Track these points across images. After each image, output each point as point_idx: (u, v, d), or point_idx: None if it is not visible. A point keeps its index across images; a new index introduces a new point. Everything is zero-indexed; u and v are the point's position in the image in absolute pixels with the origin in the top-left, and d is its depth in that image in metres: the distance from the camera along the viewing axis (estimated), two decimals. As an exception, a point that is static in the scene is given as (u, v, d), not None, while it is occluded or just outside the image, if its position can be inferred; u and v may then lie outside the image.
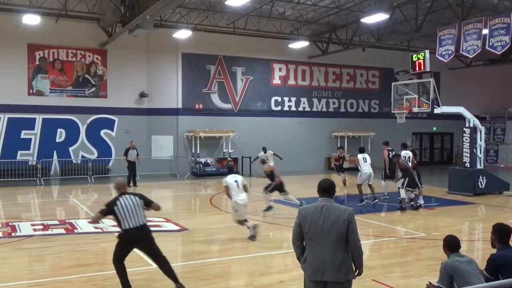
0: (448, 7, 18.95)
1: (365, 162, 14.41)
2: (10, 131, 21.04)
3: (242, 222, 9.98)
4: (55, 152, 21.77)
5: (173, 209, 15.37)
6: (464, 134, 17.00)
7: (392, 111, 17.34)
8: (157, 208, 6.87)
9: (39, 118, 21.59)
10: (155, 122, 23.65)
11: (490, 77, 30.61)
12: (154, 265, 6.93)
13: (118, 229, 6.74)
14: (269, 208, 12.49)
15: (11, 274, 7.60)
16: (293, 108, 26.53)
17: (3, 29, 20.19)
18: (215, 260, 8.69)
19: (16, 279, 7.36)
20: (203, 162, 22.96)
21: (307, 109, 26.92)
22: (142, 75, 23.51)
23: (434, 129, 30.53)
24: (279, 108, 26.14)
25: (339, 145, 23.63)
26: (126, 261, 6.61)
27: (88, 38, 21.94)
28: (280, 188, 12.76)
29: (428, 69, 16.10)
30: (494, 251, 5.17)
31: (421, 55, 16.27)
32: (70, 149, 22.12)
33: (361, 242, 4.54)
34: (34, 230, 11.04)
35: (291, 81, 26.50)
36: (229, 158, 23.42)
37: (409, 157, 14.16)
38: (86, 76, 22.50)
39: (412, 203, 13.69)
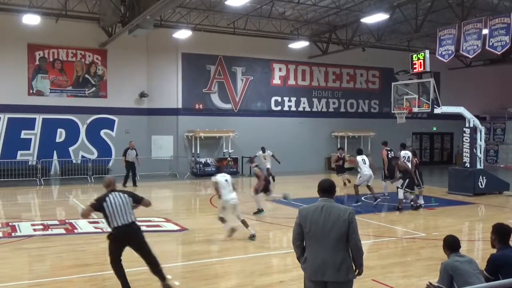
0: (448, 7, 18.95)
1: (364, 164, 14.41)
2: (10, 131, 21.04)
3: (223, 220, 9.94)
4: (55, 152, 21.77)
5: (173, 209, 15.39)
6: (464, 134, 17.01)
7: (392, 111, 17.35)
8: (148, 204, 6.85)
9: (39, 118, 21.59)
10: (155, 122, 23.65)
11: (490, 77, 30.61)
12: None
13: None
14: (259, 211, 12.54)
15: (11, 274, 7.60)
16: (293, 108, 26.53)
17: (3, 29, 20.19)
18: (215, 260, 8.69)
19: (16, 279, 7.37)
20: (203, 162, 22.96)
21: (307, 109, 26.92)
22: (142, 75, 23.51)
23: (434, 129, 30.54)
24: (279, 108, 26.14)
25: (339, 146, 23.65)
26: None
27: (88, 38, 21.93)
28: (265, 188, 12.72)
29: (428, 69, 16.12)
30: (494, 251, 5.17)
31: (421, 55, 16.28)
32: (70, 149, 22.12)
33: (361, 242, 4.54)
34: (34, 230, 11.04)
35: (291, 81, 26.50)
36: (229, 158, 23.46)
37: (408, 157, 14.17)
38: (86, 76, 22.50)
39: (412, 203, 13.68)
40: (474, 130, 16.85)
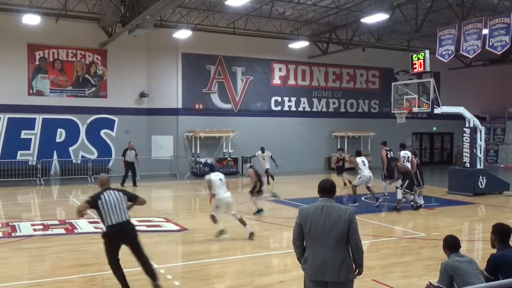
0: (448, 7, 18.95)
1: (364, 165, 14.41)
2: (10, 131, 21.04)
3: (214, 219, 9.93)
4: (55, 152, 21.77)
5: (173, 209, 15.40)
6: (464, 134, 17.00)
7: (392, 111, 17.34)
8: (143, 202, 6.84)
9: (39, 118, 21.59)
10: (155, 122, 23.65)
11: (490, 77, 30.61)
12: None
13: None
14: (259, 210, 12.55)
15: (11, 274, 7.60)
16: (293, 108, 26.53)
17: (3, 29, 20.19)
18: (215, 260, 8.69)
19: (16, 279, 7.37)
20: (203, 162, 22.96)
21: (307, 109, 26.92)
22: (142, 75, 23.51)
23: (434, 129, 30.53)
24: (279, 108, 26.13)
25: (339, 146, 23.65)
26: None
27: (88, 38, 21.93)
28: (258, 189, 12.64)
29: (428, 69, 16.11)
30: (494, 251, 5.17)
31: (421, 55, 16.28)
32: (70, 149, 22.12)
33: (361, 242, 4.54)
34: (34, 230, 11.04)
35: (291, 81, 26.50)
36: (229, 158, 23.45)
37: (408, 157, 14.17)
38: (86, 76, 22.50)
39: (412, 203, 13.69)
40: (474, 130, 16.85)
